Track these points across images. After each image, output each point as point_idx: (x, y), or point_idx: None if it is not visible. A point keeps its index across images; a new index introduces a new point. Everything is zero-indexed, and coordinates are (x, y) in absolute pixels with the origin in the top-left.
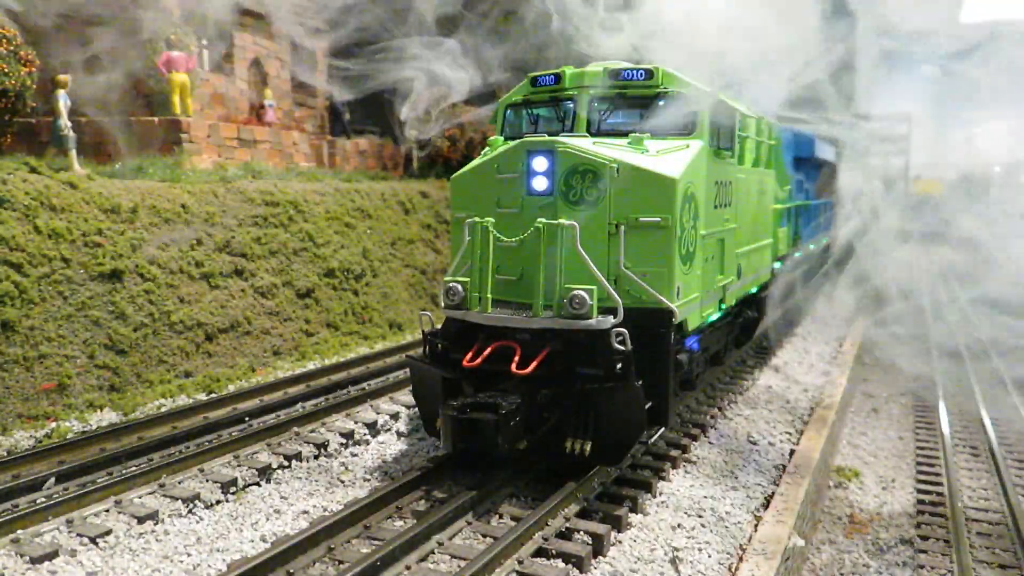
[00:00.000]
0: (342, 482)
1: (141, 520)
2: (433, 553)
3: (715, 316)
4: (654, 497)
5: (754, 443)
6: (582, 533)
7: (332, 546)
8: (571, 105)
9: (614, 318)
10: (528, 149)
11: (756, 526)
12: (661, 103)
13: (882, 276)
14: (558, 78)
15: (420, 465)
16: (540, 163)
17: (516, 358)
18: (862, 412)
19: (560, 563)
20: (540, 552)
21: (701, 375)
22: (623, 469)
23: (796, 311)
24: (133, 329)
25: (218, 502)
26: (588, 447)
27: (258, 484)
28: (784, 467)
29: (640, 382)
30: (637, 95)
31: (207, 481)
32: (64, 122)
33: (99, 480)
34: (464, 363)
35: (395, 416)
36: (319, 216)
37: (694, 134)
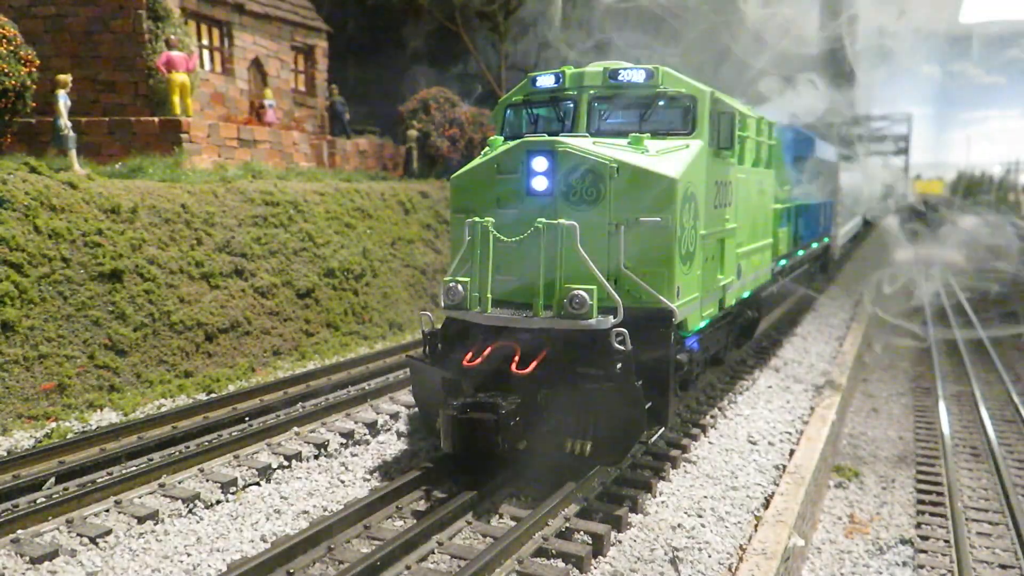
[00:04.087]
0: (342, 482)
1: (141, 520)
2: (433, 553)
3: (715, 316)
4: (654, 497)
5: (754, 443)
6: (582, 533)
7: (332, 546)
8: (571, 105)
9: (614, 318)
10: (528, 149)
11: (756, 526)
12: (661, 103)
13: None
14: (558, 78)
15: (420, 465)
16: (540, 163)
17: (516, 358)
18: (862, 412)
19: (560, 563)
20: (540, 552)
21: (701, 375)
22: (623, 469)
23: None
24: (133, 329)
25: (218, 502)
26: (588, 447)
27: (258, 484)
28: (784, 467)
29: (640, 382)
30: (637, 95)
31: (207, 481)
32: (64, 122)
33: (99, 480)
34: (464, 363)
35: (395, 416)
36: (319, 216)
37: (694, 134)
